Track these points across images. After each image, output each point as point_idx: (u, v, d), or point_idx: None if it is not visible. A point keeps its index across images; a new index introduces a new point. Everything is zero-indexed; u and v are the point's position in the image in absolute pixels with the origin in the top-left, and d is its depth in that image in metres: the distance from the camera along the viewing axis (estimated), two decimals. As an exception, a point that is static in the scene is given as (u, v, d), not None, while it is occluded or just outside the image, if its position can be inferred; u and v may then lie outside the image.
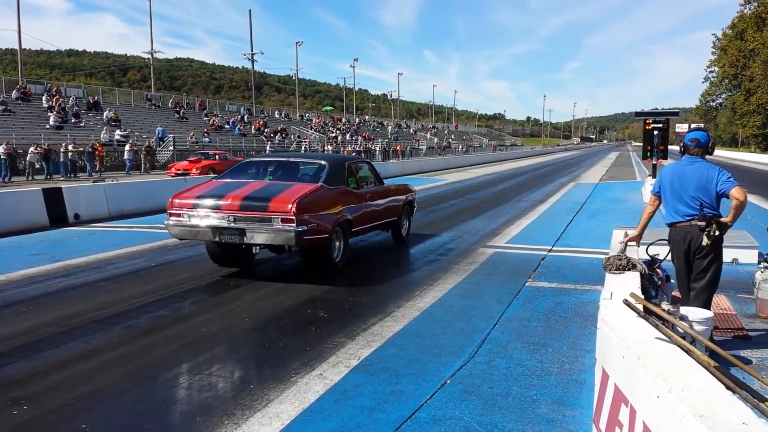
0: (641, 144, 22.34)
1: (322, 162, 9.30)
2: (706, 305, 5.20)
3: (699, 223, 5.10)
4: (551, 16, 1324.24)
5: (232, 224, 7.77)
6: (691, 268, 5.29)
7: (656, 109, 25.03)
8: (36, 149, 27.41)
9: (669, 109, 32.42)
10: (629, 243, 5.65)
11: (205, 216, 7.93)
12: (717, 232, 5.05)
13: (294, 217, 7.51)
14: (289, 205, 7.58)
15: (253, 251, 8.51)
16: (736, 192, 4.95)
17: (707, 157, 5.31)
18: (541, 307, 6.90)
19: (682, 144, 5.44)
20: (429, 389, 4.58)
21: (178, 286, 7.92)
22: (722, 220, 5.08)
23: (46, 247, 10.97)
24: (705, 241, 5.07)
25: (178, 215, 8.16)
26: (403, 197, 11.06)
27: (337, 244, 8.57)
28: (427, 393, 4.51)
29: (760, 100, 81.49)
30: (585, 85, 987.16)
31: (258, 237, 7.74)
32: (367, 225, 9.60)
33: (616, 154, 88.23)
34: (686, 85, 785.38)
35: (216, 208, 7.92)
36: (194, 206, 8.09)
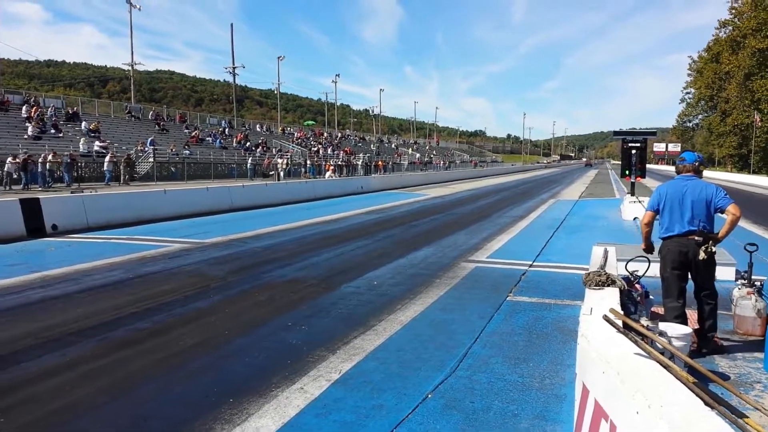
0: (619, 162, 22.60)
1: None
2: (715, 314, 5.83)
3: (697, 238, 5.50)
4: (530, 35, 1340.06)
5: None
6: (684, 278, 5.74)
7: (634, 128, 25.38)
8: (14, 159, 27.07)
9: (647, 128, 32.79)
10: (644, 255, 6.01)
11: None
12: (713, 248, 5.51)
13: None
14: None
15: None
16: (732, 208, 5.45)
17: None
18: (521, 322, 6.92)
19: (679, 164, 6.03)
20: (410, 404, 4.57)
21: (156, 299, 7.85)
22: (717, 236, 5.54)
23: (23, 258, 10.83)
24: (702, 255, 5.47)
25: None
26: None
27: None
28: (408, 407, 4.50)
29: (735, 121, 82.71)
30: (564, 104, 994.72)
31: None
32: None
33: (594, 171, 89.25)
34: (663, 105, 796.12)
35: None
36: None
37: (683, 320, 5.75)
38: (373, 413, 4.42)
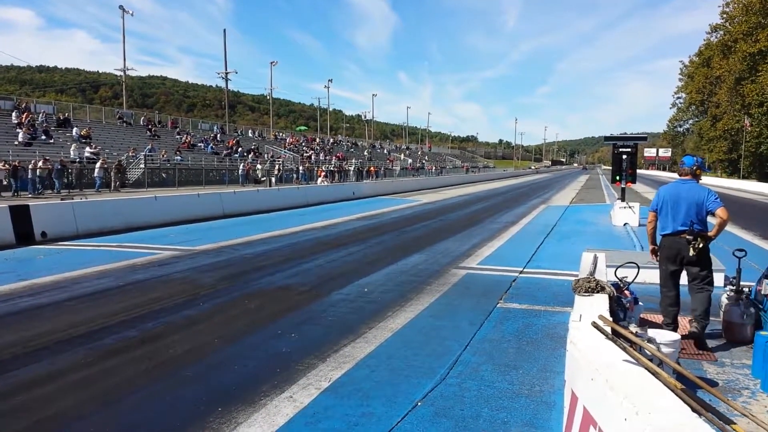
0: (610, 167, 22.66)
1: None
2: (708, 301, 6.13)
3: (687, 237, 5.99)
4: (523, 42, 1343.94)
5: None
6: (677, 273, 6.28)
7: (625, 133, 25.45)
8: (3, 166, 26.94)
9: (637, 133, 32.74)
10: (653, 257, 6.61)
11: None
12: (701, 245, 6.00)
13: None
14: None
15: None
16: (720, 212, 5.95)
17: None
18: (512, 329, 6.92)
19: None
20: (400, 412, 4.56)
21: (146, 306, 7.81)
22: (708, 234, 6.00)
23: (12, 266, 10.75)
24: (691, 252, 5.98)
25: None
26: None
27: None
28: (398, 415, 4.49)
29: (726, 125, 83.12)
30: (556, 109, 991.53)
31: None
32: None
33: (586, 177, 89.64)
34: (654, 110, 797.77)
35: None
36: None
37: (676, 309, 6.30)
38: (362, 421, 4.40)
